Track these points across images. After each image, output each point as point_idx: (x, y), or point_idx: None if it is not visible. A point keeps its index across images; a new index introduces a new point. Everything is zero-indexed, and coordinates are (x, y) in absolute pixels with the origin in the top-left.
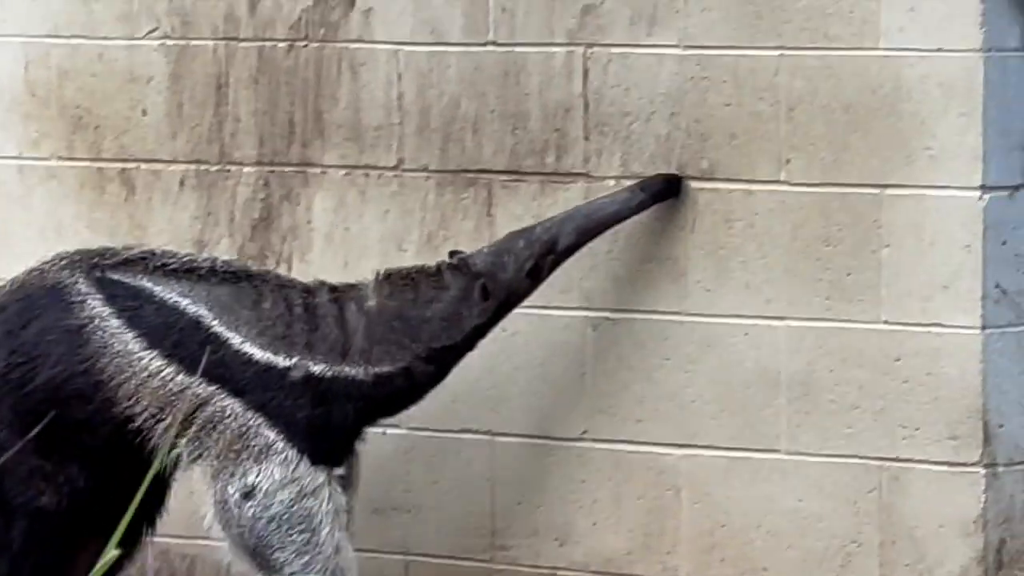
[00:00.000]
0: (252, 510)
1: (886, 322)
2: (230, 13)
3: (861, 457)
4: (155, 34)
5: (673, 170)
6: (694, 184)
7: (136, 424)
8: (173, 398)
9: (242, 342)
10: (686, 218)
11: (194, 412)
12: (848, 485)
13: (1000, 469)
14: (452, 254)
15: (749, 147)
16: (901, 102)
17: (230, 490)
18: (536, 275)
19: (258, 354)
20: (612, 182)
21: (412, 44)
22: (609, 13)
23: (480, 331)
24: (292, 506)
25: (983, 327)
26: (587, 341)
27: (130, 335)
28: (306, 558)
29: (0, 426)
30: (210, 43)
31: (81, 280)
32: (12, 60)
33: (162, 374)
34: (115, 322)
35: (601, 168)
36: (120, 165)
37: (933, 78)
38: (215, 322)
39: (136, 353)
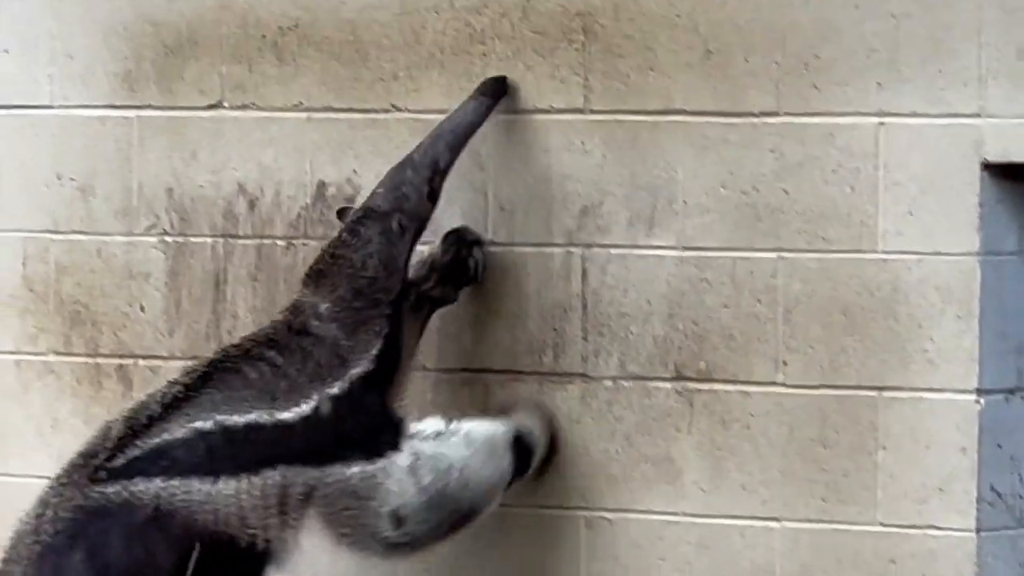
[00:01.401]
0: (407, 526)
1: (882, 524)
2: (229, 210)
3: None
4: (154, 230)
5: (671, 372)
6: (691, 385)
7: (258, 544)
8: (261, 502)
9: (271, 415)
10: (683, 419)
11: (283, 500)
12: None
13: None
14: (341, 213)
15: (746, 348)
16: (898, 305)
17: (381, 532)
18: (433, 197)
19: (288, 416)
20: (609, 382)
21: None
22: (608, 214)
23: (408, 263)
24: (414, 496)
25: (978, 530)
26: (582, 540)
27: (195, 483)
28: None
29: None
30: (209, 240)
31: (100, 489)
32: (10, 255)
33: (241, 491)
34: (175, 482)
35: (599, 368)
36: (117, 361)
37: (930, 281)
38: (235, 418)
39: (211, 491)
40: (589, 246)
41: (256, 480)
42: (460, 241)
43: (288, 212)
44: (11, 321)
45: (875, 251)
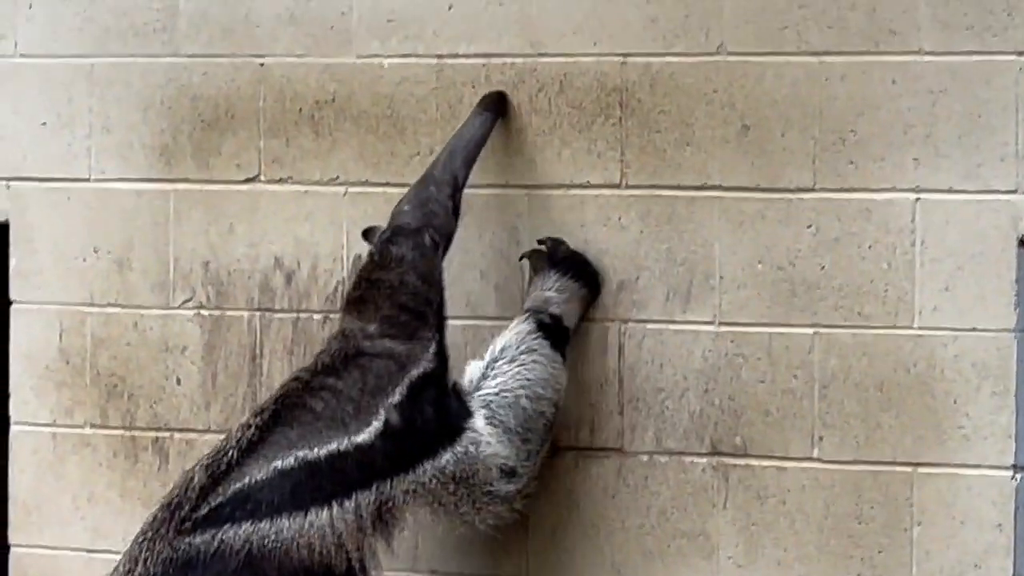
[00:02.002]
0: (519, 469)
1: None
2: (265, 284)
3: None
4: (190, 304)
5: (706, 447)
6: (727, 460)
7: (354, 566)
8: (356, 524)
9: (348, 440)
10: (718, 494)
11: (380, 515)
12: None
13: None
14: (367, 234)
15: (782, 424)
16: (934, 381)
17: (499, 492)
18: (456, 212)
19: (364, 437)
20: (645, 457)
21: (448, 318)
22: (644, 289)
23: (442, 278)
24: (509, 441)
25: None
26: None
27: (285, 521)
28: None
29: None
30: (245, 313)
31: (189, 540)
32: (47, 327)
33: (336, 518)
34: (264, 524)
35: (635, 443)
36: (154, 434)
37: (967, 357)
38: (315, 450)
39: (303, 525)
40: (625, 321)
41: (349, 504)
42: None
43: (325, 286)
44: (48, 393)
45: (911, 327)
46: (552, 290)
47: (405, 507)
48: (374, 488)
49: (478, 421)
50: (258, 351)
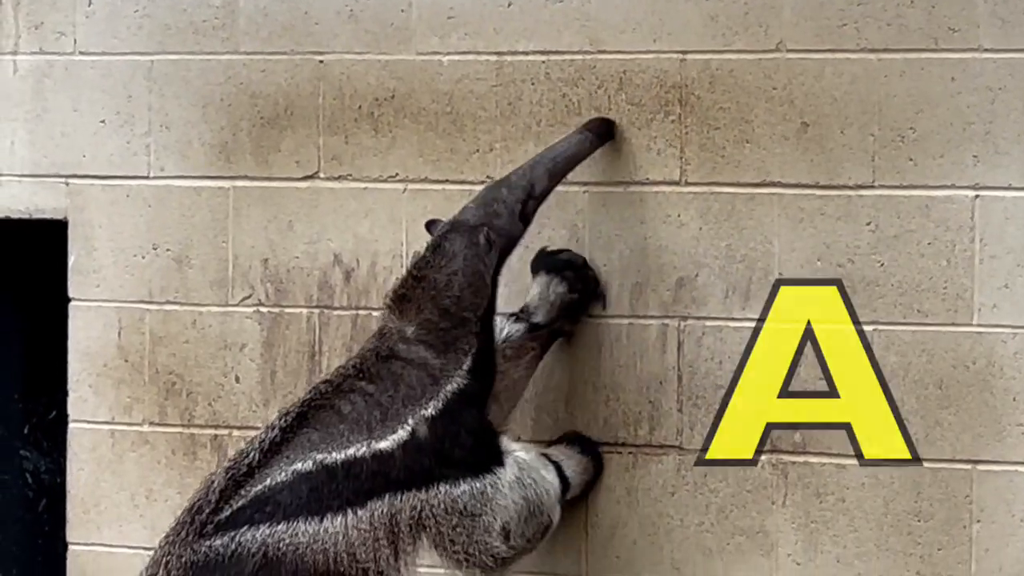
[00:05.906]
0: (512, 540)
1: None
2: (324, 281)
3: None
4: (249, 301)
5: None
6: (786, 457)
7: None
8: (370, 534)
9: (368, 446)
10: (777, 491)
11: (392, 529)
12: None
13: None
14: (429, 225)
15: None
16: (994, 378)
17: (492, 547)
18: (525, 219)
19: (385, 444)
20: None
21: (505, 315)
22: (704, 286)
23: (495, 281)
24: (520, 510)
25: None
26: None
27: (301, 524)
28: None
29: None
30: (304, 311)
31: (209, 543)
32: (105, 325)
33: (349, 525)
34: (280, 527)
35: (694, 440)
36: (212, 432)
37: None
38: (334, 455)
39: (318, 530)
40: (685, 318)
41: (363, 512)
42: (583, 277)
43: (384, 283)
44: (106, 391)
45: (970, 324)
46: (554, 448)
47: (411, 526)
48: (387, 499)
49: (508, 473)
50: (317, 348)
